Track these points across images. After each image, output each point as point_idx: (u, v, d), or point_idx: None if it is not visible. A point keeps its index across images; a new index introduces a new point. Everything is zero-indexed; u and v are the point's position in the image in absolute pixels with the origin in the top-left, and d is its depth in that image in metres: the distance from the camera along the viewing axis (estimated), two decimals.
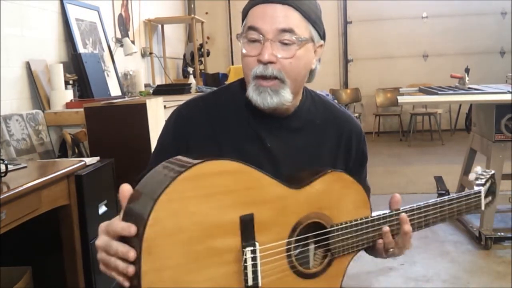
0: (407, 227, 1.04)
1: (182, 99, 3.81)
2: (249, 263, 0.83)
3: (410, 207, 1.07)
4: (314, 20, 1.06)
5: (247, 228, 0.82)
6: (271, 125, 1.10)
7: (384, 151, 6.24)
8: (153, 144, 2.62)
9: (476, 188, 1.21)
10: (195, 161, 0.78)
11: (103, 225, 0.83)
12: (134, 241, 0.74)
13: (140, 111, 2.60)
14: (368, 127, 7.30)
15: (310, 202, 0.93)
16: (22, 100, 2.77)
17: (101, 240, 0.81)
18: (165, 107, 3.06)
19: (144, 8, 5.08)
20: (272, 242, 0.87)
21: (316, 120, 1.16)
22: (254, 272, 0.84)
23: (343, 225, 0.99)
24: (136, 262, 0.73)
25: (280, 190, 0.89)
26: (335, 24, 7.37)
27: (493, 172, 1.27)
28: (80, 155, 2.67)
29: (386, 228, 1.03)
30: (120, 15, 4.48)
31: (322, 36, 1.09)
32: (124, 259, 0.76)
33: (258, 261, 0.84)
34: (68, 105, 2.89)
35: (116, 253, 0.77)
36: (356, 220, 1.00)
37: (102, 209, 2.17)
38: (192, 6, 6.50)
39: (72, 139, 2.68)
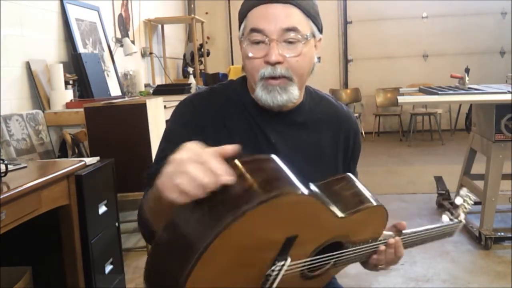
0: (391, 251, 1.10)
1: (182, 99, 3.78)
2: (274, 273, 0.87)
3: (404, 233, 1.15)
4: (313, 15, 1.06)
5: (287, 246, 0.86)
6: (275, 121, 1.11)
7: (384, 151, 6.24)
8: (153, 144, 2.62)
9: (455, 220, 1.32)
10: (280, 191, 0.79)
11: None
12: (194, 248, 0.74)
13: (140, 111, 2.61)
14: (368, 127, 7.30)
15: (344, 227, 0.98)
16: (22, 100, 2.77)
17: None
18: (165, 107, 3.07)
19: (144, 8, 5.08)
20: (300, 256, 0.91)
21: (317, 115, 1.17)
22: (273, 280, 0.88)
23: (354, 247, 1.03)
24: (188, 268, 0.74)
25: (329, 219, 0.93)
26: (335, 24, 7.37)
27: (475, 199, 1.35)
28: (80, 155, 2.67)
29: (382, 247, 1.08)
30: (120, 15, 4.48)
31: (321, 30, 1.10)
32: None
33: (282, 273, 0.88)
34: (68, 105, 2.89)
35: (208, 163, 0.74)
36: (365, 243, 1.05)
37: (102, 209, 2.17)
38: (192, 6, 6.50)
39: (72, 139, 2.68)
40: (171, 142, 1.06)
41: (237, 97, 1.13)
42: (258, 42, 1.03)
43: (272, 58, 1.01)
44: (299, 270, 0.94)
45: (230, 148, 0.78)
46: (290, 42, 1.02)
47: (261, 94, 1.04)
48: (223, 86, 1.19)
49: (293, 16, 1.02)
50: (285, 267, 0.88)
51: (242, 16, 1.07)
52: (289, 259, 0.88)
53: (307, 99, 1.17)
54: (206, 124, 1.09)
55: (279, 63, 1.01)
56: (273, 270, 0.86)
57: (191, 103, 1.12)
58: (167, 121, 1.19)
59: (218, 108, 1.11)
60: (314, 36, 1.07)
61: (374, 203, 1.03)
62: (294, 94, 1.05)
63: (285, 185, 0.81)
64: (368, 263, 1.11)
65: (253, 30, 1.03)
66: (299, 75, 1.05)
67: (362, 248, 1.05)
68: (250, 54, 1.04)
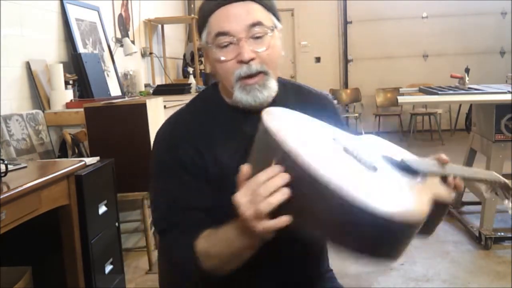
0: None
1: (182, 99, 3.79)
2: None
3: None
4: (271, 8, 1.08)
5: None
6: (254, 119, 1.06)
7: None
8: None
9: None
10: None
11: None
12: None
13: (140, 111, 2.60)
14: (368, 127, 7.30)
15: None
16: (22, 100, 2.77)
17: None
18: (165, 107, 3.06)
19: (144, 8, 5.08)
20: None
21: (289, 104, 1.13)
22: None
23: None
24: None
25: None
26: (335, 24, 7.37)
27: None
28: (80, 155, 2.67)
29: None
30: (120, 15, 4.48)
31: (279, 21, 1.12)
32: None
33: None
34: (68, 105, 2.89)
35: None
36: None
37: (102, 209, 2.17)
38: (192, 6, 6.50)
39: (72, 139, 2.68)
40: (176, 184, 1.06)
41: (213, 106, 1.12)
42: (226, 45, 1.03)
43: (245, 56, 1.01)
44: None
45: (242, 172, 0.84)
46: (258, 37, 1.03)
47: (241, 96, 1.04)
48: (197, 100, 1.17)
49: (254, 11, 1.04)
50: None
51: (203, 22, 1.07)
52: None
53: (280, 90, 1.14)
54: (193, 151, 1.06)
55: (252, 59, 1.02)
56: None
57: (169, 143, 1.09)
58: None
59: (196, 129, 1.09)
60: (276, 27, 1.08)
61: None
62: (273, 88, 1.06)
63: None
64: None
65: (219, 34, 1.03)
66: (273, 68, 1.06)
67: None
68: (222, 58, 1.04)
